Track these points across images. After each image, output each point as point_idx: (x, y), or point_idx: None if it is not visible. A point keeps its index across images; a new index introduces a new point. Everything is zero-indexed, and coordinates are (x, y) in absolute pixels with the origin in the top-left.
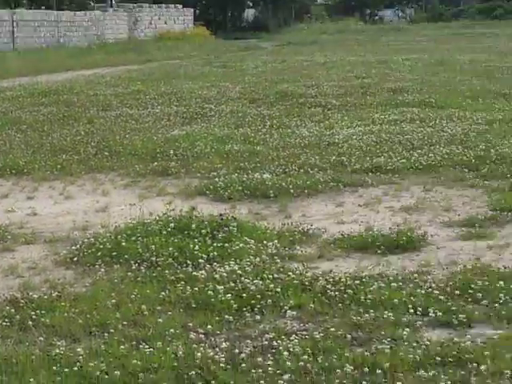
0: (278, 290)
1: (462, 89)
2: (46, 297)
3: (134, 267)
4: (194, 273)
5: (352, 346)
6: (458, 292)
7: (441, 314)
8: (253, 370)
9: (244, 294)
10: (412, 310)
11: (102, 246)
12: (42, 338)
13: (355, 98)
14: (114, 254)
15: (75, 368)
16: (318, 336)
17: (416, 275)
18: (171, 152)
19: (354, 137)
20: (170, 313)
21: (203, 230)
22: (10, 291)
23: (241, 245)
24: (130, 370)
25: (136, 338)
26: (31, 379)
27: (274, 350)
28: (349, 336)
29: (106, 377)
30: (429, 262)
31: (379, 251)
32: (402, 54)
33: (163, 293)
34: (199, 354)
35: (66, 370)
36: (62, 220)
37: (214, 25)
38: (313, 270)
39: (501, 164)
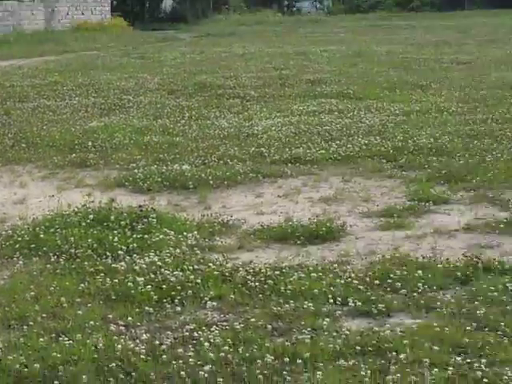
0: (198, 281)
1: (379, 80)
2: None
3: (52, 259)
4: (114, 264)
5: (272, 337)
6: (377, 282)
7: (360, 303)
8: (173, 362)
9: (164, 286)
10: (332, 300)
11: (20, 239)
12: None
13: (274, 89)
14: (33, 246)
15: None
16: (238, 327)
17: (335, 265)
18: (89, 143)
19: (273, 128)
20: (89, 305)
21: (122, 222)
22: None
23: (160, 236)
24: (50, 362)
25: (55, 330)
26: None
27: (194, 341)
28: (269, 326)
29: (26, 370)
30: (348, 252)
31: (299, 242)
32: (319, 45)
33: (82, 285)
34: (119, 345)
35: None
36: None
37: (131, 16)
38: (233, 261)
39: (418, 155)
